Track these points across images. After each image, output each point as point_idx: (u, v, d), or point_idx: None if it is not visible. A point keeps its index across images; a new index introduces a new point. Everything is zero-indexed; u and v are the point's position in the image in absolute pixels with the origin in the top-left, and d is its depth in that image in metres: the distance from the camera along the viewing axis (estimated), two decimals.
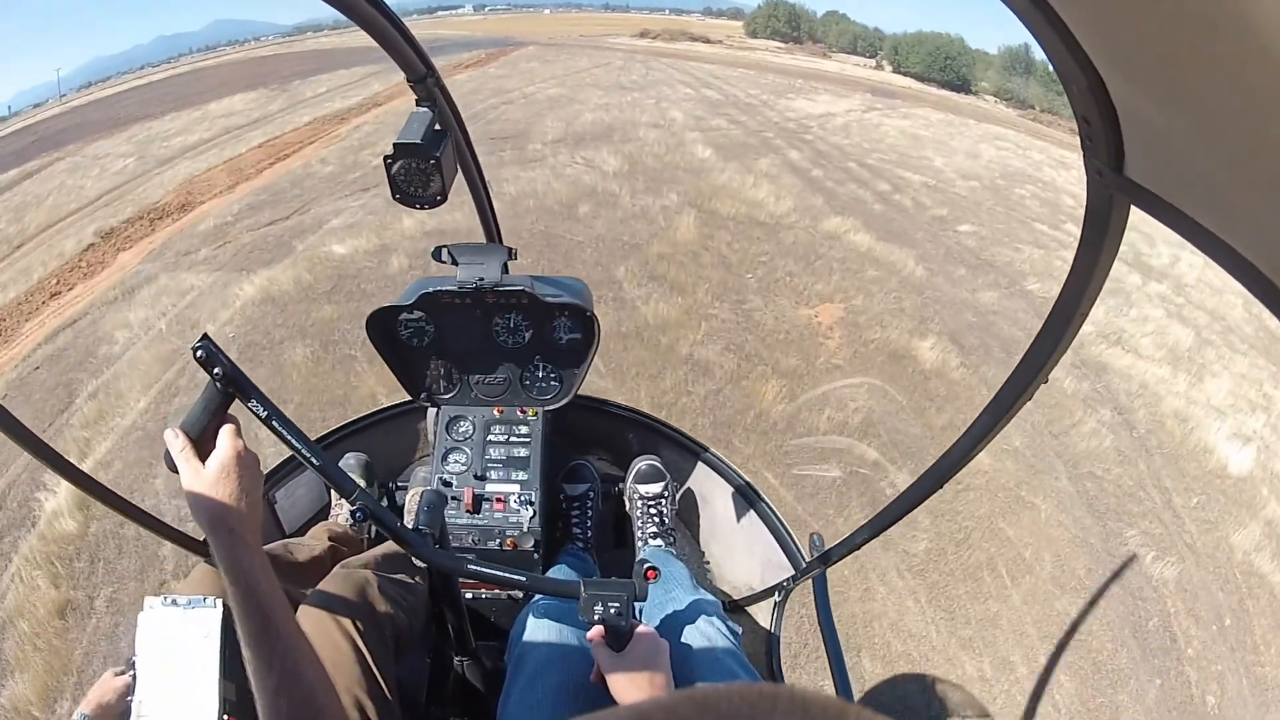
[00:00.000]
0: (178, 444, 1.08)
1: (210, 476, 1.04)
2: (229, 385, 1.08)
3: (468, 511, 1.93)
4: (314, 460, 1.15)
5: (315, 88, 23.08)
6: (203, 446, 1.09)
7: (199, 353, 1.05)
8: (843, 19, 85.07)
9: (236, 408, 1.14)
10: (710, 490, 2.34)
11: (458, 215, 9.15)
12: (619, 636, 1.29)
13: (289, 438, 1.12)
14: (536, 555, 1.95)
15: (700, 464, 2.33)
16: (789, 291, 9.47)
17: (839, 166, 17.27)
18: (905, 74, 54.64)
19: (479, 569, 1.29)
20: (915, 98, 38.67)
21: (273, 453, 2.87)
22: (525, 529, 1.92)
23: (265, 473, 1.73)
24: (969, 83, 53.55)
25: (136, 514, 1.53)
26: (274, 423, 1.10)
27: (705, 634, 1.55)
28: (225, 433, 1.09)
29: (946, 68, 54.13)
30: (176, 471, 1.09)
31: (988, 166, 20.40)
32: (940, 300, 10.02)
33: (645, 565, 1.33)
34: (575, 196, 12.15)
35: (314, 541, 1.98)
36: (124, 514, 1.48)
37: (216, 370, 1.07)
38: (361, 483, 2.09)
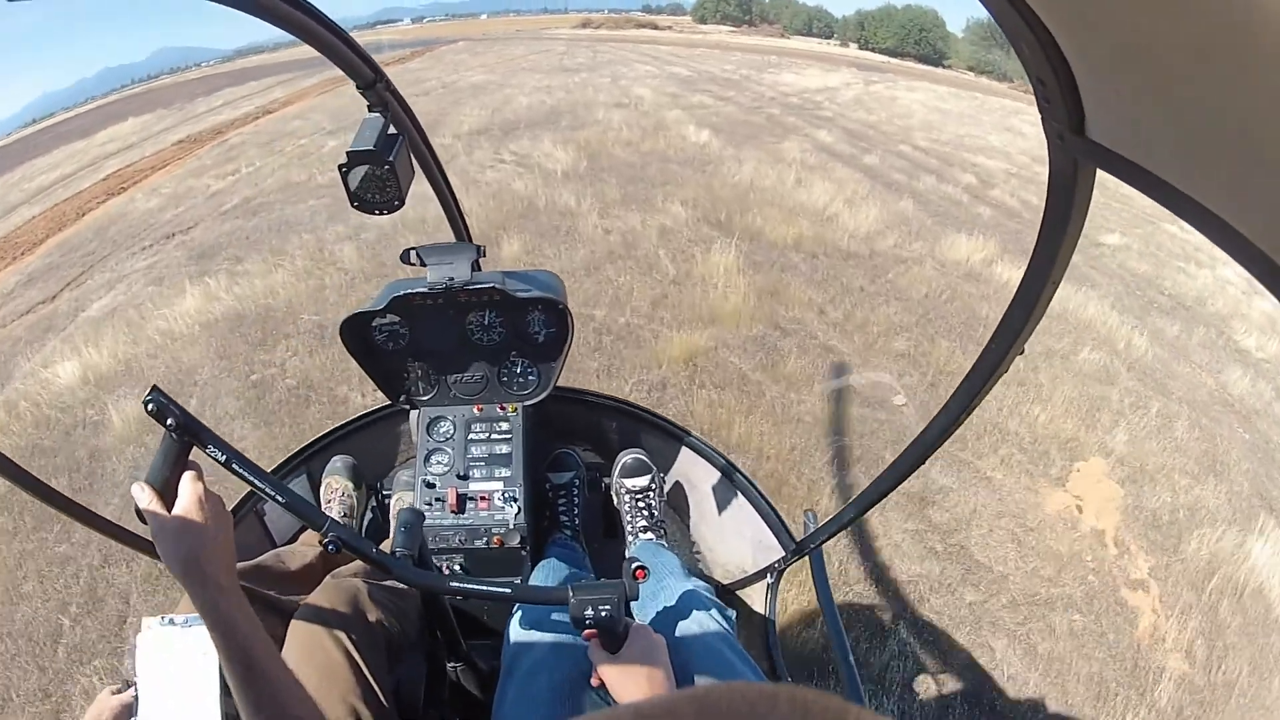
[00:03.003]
0: (144, 496, 1.06)
1: (175, 525, 1.03)
2: (184, 434, 1.07)
3: (452, 512, 1.88)
4: (279, 498, 1.14)
5: (212, 103, 21.14)
6: (168, 496, 1.07)
7: (150, 406, 1.04)
8: (791, 2, 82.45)
9: (199, 454, 1.11)
10: (697, 476, 2.24)
11: (275, 279, 5.91)
12: (613, 637, 1.25)
13: (252, 479, 1.11)
14: (524, 551, 1.88)
15: (685, 450, 2.23)
16: (989, 433, 4.09)
17: (891, 150, 12.04)
18: (875, 50, 50.40)
19: (461, 586, 1.27)
20: (901, 72, 34.60)
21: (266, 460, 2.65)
22: (511, 526, 1.88)
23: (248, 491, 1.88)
24: (944, 56, 49.83)
25: (127, 537, 1.64)
26: (234, 466, 1.10)
27: (699, 622, 1.51)
28: (186, 479, 1.07)
29: (921, 41, 50.15)
30: (146, 524, 1.07)
31: (1045, 147, 15.79)
32: (1194, 403, 5.59)
33: (634, 565, 1.26)
34: (496, 220, 6.56)
35: (305, 548, 1.90)
36: (114, 537, 1.60)
37: (170, 421, 1.05)
38: (349, 484, 2.13)
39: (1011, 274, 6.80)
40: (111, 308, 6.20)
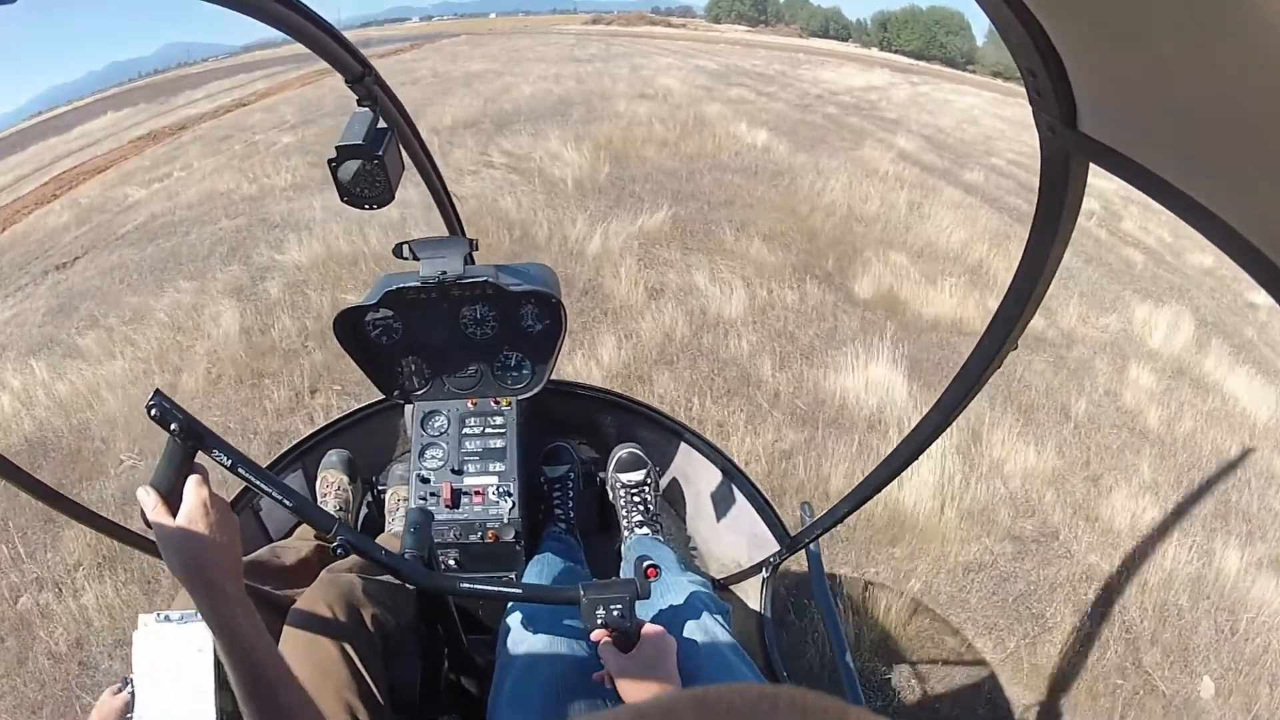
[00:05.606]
0: (149, 501, 1.02)
1: (179, 530, 1.00)
2: (189, 438, 1.03)
3: (447, 506, 1.85)
4: (287, 502, 1.12)
5: (193, 96, 20.49)
6: (173, 500, 1.03)
7: (153, 410, 1.01)
8: (805, 4, 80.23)
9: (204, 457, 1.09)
10: (693, 470, 2.20)
11: (112, 371, 3.92)
12: (625, 638, 1.21)
13: (258, 483, 1.10)
14: (519, 546, 1.85)
15: (681, 444, 2.19)
16: None
17: (985, 165, 9.61)
18: (899, 51, 48.08)
19: (472, 587, 1.25)
20: (933, 74, 32.42)
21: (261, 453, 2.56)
22: (505, 520, 1.84)
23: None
24: (969, 60, 47.66)
25: (129, 537, 1.62)
26: (240, 470, 1.08)
27: (697, 618, 1.47)
28: (190, 483, 1.03)
29: (947, 44, 47.81)
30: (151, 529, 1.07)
31: None
32: None
33: (646, 563, 1.28)
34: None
35: (300, 543, 1.88)
36: (104, 530, 1.57)
37: (173, 426, 1.02)
38: (345, 479, 2.10)
39: (1225, 376, 4.43)
40: None
